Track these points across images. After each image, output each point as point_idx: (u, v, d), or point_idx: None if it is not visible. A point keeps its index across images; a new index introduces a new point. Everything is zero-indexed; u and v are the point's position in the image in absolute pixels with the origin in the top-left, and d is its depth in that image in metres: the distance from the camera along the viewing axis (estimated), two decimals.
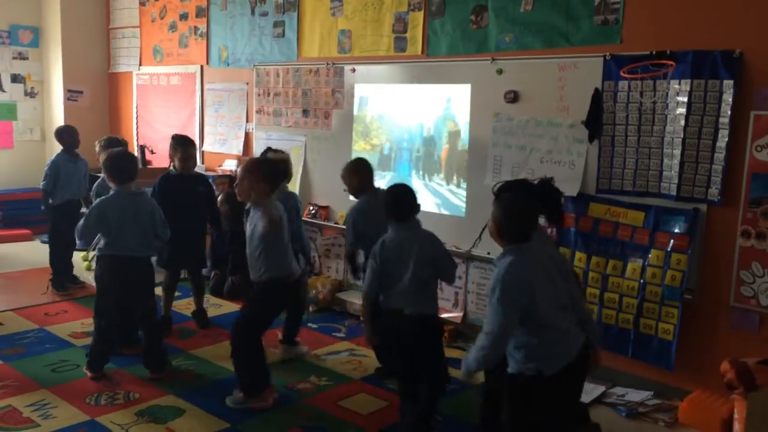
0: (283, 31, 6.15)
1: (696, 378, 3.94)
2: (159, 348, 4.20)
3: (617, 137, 4.19)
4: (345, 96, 5.67)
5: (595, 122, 4.25)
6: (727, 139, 3.76)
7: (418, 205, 3.51)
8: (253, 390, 3.76)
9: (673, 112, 3.94)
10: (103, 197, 4.07)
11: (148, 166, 7.27)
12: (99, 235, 4.02)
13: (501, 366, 2.76)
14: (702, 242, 3.92)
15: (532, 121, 4.54)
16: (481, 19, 4.79)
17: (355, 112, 5.61)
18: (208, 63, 7.00)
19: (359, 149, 5.59)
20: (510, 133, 4.65)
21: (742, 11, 3.72)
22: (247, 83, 6.57)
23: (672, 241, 3.97)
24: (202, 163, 7.16)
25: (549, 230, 3.48)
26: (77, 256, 6.24)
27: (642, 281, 4.07)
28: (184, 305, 5.44)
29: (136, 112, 8.00)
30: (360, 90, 5.57)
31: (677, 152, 3.93)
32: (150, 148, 7.59)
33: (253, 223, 3.71)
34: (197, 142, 7.15)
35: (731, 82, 3.72)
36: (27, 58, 8.09)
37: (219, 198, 5.44)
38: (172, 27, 7.35)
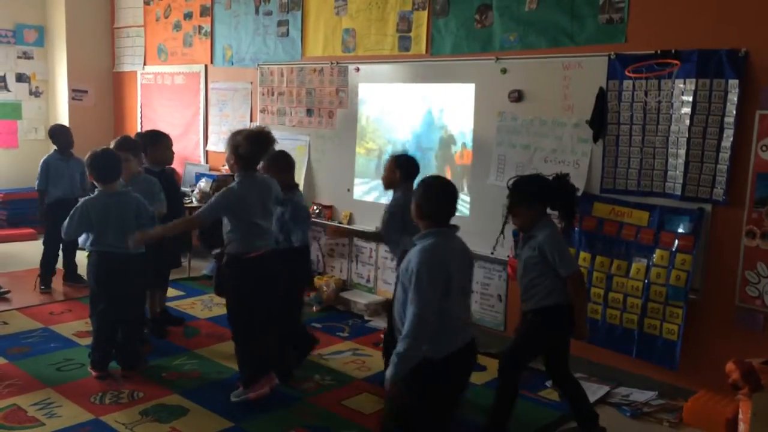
0: (287, 30, 6.15)
1: (700, 378, 3.93)
2: (134, 344, 4.20)
3: (622, 137, 4.18)
4: (349, 95, 5.67)
5: (600, 122, 4.24)
6: (732, 139, 3.75)
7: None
8: (251, 380, 3.77)
9: (678, 112, 3.93)
10: (86, 197, 4.08)
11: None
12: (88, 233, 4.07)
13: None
14: (707, 242, 3.91)
15: (536, 121, 4.54)
16: (485, 19, 4.79)
17: (360, 112, 5.60)
18: (212, 62, 7.00)
19: (361, 151, 5.60)
20: (514, 132, 4.65)
21: (747, 10, 3.71)
22: (252, 82, 6.57)
23: (677, 241, 3.96)
24: (206, 162, 7.18)
25: (560, 225, 3.50)
26: (81, 255, 6.25)
27: (646, 281, 4.06)
28: (188, 305, 5.46)
29: (141, 112, 8.01)
30: (364, 89, 5.57)
31: (682, 152, 3.92)
32: None
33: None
34: (201, 141, 7.18)
35: (736, 81, 3.70)
36: (32, 58, 8.11)
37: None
38: (177, 26, 7.36)
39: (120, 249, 3.97)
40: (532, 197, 3.37)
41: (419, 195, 2.79)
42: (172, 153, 4.89)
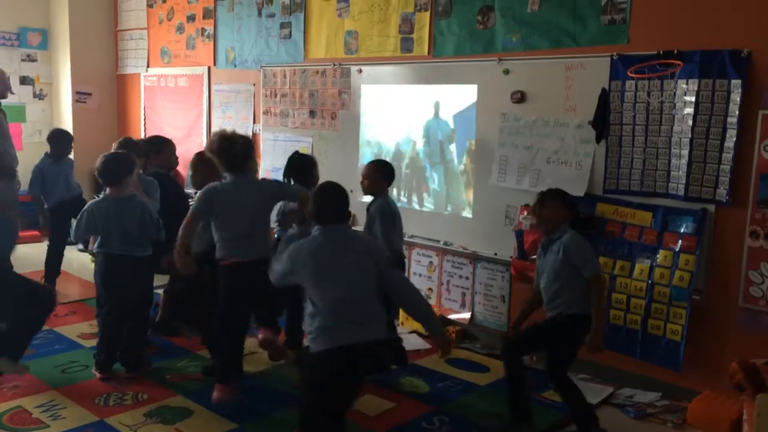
0: (290, 32, 6.16)
1: (704, 379, 3.92)
2: (138, 346, 4.21)
3: (625, 137, 4.18)
4: (351, 97, 5.68)
5: (603, 122, 4.24)
6: (735, 139, 3.75)
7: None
8: (221, 377, 3.81)
9: (681, 112, 3.92)
10: (92, 200, 4.09)
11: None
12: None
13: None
14: (710, 243, 3.91)
15: (539, 122, 4.54)
16: (487, 20, 4.79)
17: (362, 113, 5.61)
18: (215, 64, 7.02)
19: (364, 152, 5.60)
20: (517, 133, 4.65)
21: (750, 11, 3.70)
22: (254, 84, 6.58)
23: (680, 241, 3.95)
24: None
25: None
26: (85, 257, 6.28)
27: (650, 282, 4.05)
28: None
29: (144, 114, 8.03)
30: (366, 91, 5.57)
31: (685, 152, 3.92)
32: None
33: None
34: (204, 143, 7.19)
35: (739, 81, 3.70)
36: (36, 61, 8.13)
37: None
38: (180, 29, 7.38)
39: (125, 251, 3.98)
40: (564, 197, 3.57)
41: (313, 198, 3.14)
42: (176, 158, 4.91)
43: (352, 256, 2.98)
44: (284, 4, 6.17)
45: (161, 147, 4.79)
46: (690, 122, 3.87)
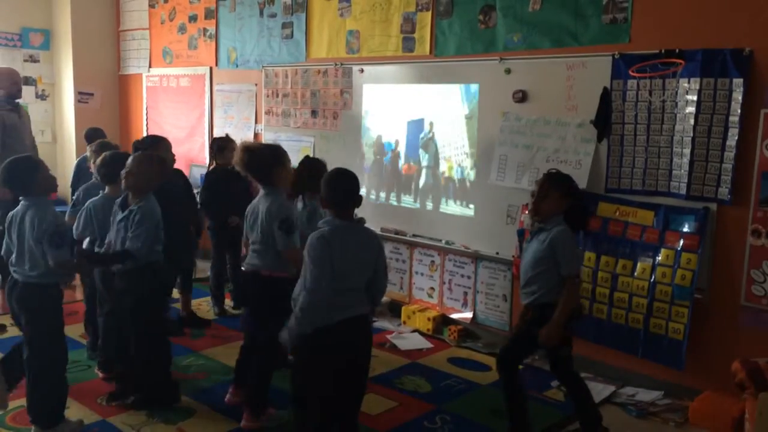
0: (292, 32, 6.17)
1: (706, 378, 3.92)
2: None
3: (626, 136, 4.18)
4: (353, 96, 5.68)
5: (604, 121, 4.24)
6: (737, 138, 3.75)
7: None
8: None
9: (683, 111, 3.92)
10: (91, 199, 4.07)
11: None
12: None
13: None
14: (712, 241, 3.91)
15: (540, 121, 4.54)
16: (489, 19, 4.79)
17: (364, 112, 5.62)
18: (217, 64, 7.02)
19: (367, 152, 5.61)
20: (518, 132, 4.65)
21: (751, 9, 3.70)
22: (256, 84, 6.59)
23: (682, 240, 3.95)
24: None
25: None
26: None
27: (652, 281, 4.05)
28: (194, 306, 5.47)
29: (146, 114, 8.04)
30: (368, 90, 5.58)
31: (687, 151, 3.92)
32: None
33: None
34: (206, 143, 7.19)
35: (741, 80, 3.70)
36: (38, 61, 8.15)
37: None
38: (182, 29, 7.39)
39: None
40: (567, 188, 3.45)
41: (323, 185, 2.98)
42: (173, 155, 4.90)
43: (367, 254, 2.95)
44: (286, 4, 6.18)
45: (155, 146, 4.78)
46: (692, 121, 3.87)
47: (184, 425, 3.59)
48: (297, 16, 6.11)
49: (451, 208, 5.10)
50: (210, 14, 7.00)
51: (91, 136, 5.88)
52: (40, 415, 3.42)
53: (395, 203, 5.47)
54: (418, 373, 4.36)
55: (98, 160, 4.07)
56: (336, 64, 5.78)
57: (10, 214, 3.42)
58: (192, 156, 7.30)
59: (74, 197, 4.59)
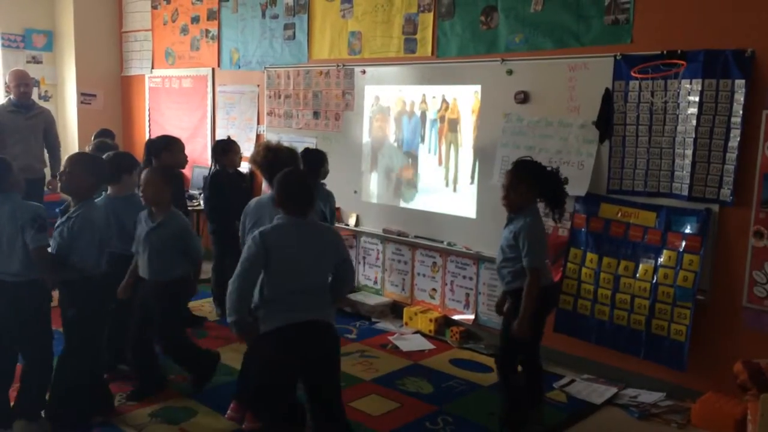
0: (294, 33, 6.18)
1: (709, 379, 3.92)
2: None
3: (628, 137, 4.17)
4: (355, 97, 5.69)
5: (606, 122, 4.23)
6: (739, 139, 3.74)
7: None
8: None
9: (685, 112, 3.92)
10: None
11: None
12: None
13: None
14: (714, 243, 3.90)
15: (542, 122, 4.54)
16: (490, 20, 4.79)
17: (366, 113, 5.62)
18: (219, 65, 7.03)
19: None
20: (520, 133, 4.65)
21: (753, 10, 3.70)
22: (258, 85, 6.59)
23: (684, 241, 3.95)
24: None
25: (553, 216, 3.49)
26: None
27: (654, 282, 4.05)
28: (197, 306, 5.48)
29: (149, 115, 8.05)
30: (370, 91, 5.58)
31: (689, 152, 3.91)
32: None
33: None
34: (208, 144, 7.20)
35: (743, 81, 3.69)
36: (41, 62, 8.15)
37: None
38: (184, 30, 7.40)
39: (125, 250, 3.97)
40: (534, 178, 3.41)
41: (276, 185, 3.05)
42: (185, 156, 4.92)
43: (317, 249, 2.98)
44: (288, 5, 6.18)
45: (169, 146, 4.81)
46: (694, 122, 3.87)
47: (186, 426, 3.59)
48: (299, 17, 6.11)
49: (453, 209, 5.10)
50: (212, 15, 7.01)
51: (100, 137, 5.87)
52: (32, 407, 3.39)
53: (397, 205, 5.47)
54: (420, 375, 4.36)
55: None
56: (338, 65, 5.78)
57: None
58: (194, 157, 7.29)
59: None
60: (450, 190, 5.11)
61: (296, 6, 6.12)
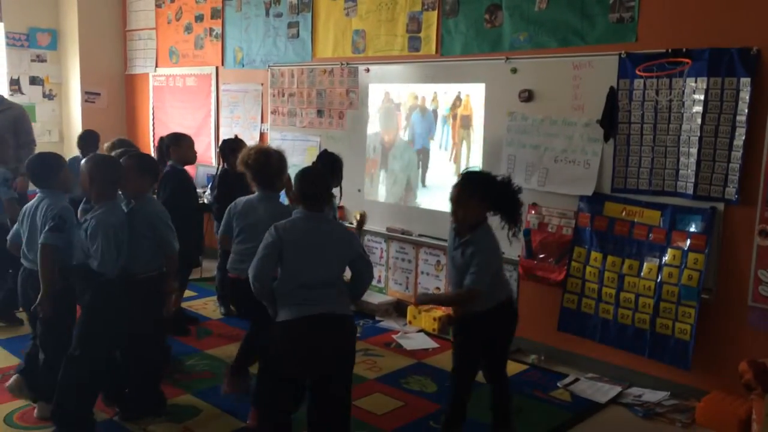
0: (298, 31, 6.18)
1: (713, 378, 3.91)
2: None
3: (633, 136, 4.16)
4: (359, 96, 5.68)
5: (611, 121, 4.23)
6: (744, 138, 3.73)
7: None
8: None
9: (690, 111, 3.91)
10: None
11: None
12: None
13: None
14: (719, 241, 3.89)
15: (546, 120, 4.53)
16: (495, 18, 4.78)
17: (370, 111, 5.61)
18: (223, 64, 7.04)
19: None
20: (524, 132, 4.64)
21: (759, 8, 3.69)
22: (262, 84, 6.60)
23: (689, 240, 3.94)
24: (218, 164, 7.20)
25: (509, 231, 3.28)
26: None
27: (658, 281, 4.04)
28: (200, 305, 5.49)
29: (153, 114, 8.06)
30: (374, 90, 5.58)
31: (694, 151, 3.90)
32: None
33: None
34: (212, 142, 7.22)
35: (748, 79, 3.68)
36: (45, 61, 8.18)
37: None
38: (188, 28, 7.40)
39: None
40: (485, 191, 3.21)
41: (295, 181, 3.14)
42: (194, 152, 4.93)
43: (330, 244, 3.02)
44: (292, 3, 6.18)
45: (177, 141, 4.83)
46: (699, 120, 3.86)
47: (190, 424, 3.60)
48: (303, 16, 6.11)
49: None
50: (216, 14, 7.01)
51: (85, 138, 5.86)
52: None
53: (401, 203, 5.47)
54: (424, 373, 4.36)
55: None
56: (342, 64, 5.78)
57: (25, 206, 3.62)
58: (198, 156, 7.28)
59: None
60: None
61: (300, 4, 6.12)
